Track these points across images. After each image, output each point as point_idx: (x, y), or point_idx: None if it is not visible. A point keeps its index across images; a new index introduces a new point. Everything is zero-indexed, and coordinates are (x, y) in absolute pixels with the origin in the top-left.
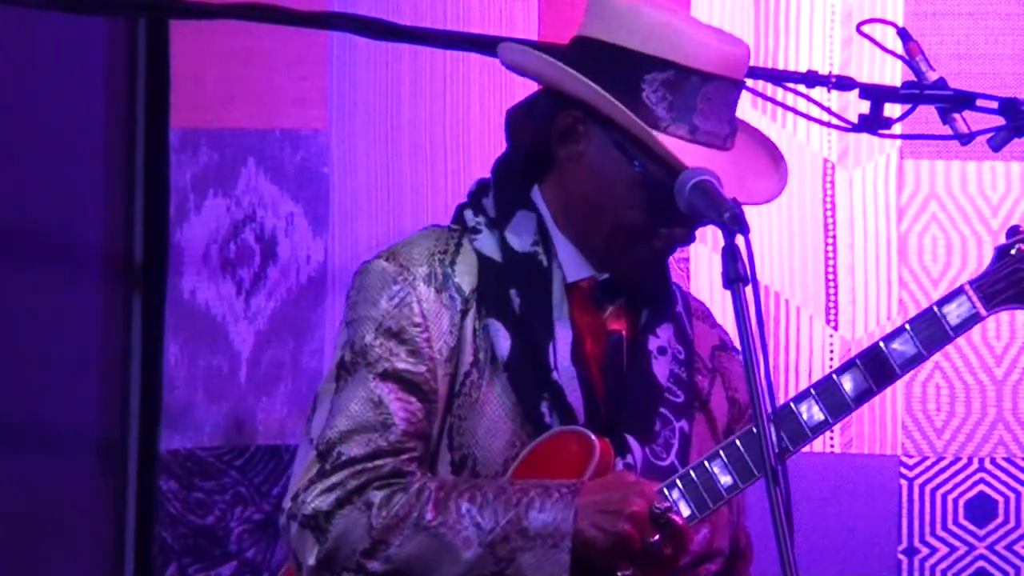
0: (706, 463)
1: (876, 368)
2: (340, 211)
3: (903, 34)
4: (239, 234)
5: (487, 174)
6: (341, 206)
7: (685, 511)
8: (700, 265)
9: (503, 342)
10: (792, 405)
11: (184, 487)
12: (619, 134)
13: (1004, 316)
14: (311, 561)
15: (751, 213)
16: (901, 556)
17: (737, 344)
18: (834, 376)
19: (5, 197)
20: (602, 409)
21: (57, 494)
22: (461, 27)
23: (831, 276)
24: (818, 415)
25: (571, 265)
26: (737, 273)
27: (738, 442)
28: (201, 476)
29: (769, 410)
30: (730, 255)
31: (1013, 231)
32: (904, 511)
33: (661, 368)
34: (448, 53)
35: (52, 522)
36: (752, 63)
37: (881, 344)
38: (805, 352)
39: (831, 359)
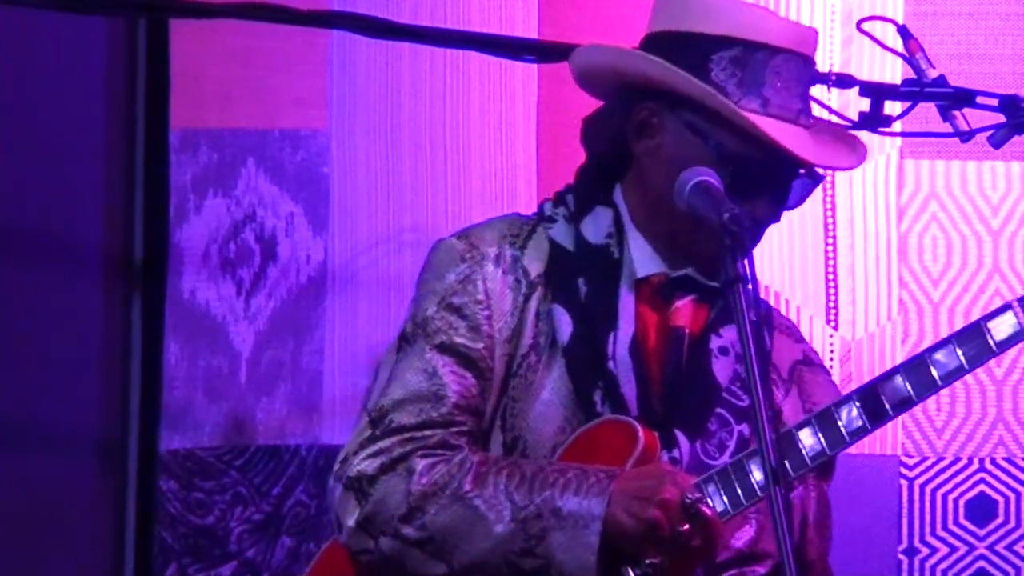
0: (744, 460)
1: (918, 378)
2: (340, 211)
3: (903, 32)
4: (239, 234)
5: (487, 174)
6: (341, 206)
7: (719, 506)
8: None
9: (565, 328)
10: (832, 409)
11: (184, 487)
12: (692, 116)
13: None
14: (351, 523)
15: None
16: (901, 556)
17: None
18: (876, 383)
19: (5, 197)
20: (656, 403)
21: (57, 494)
22: (461, 26)
23: (831, 276)
24: (857, 421)
25: (643, 260)
26: (736, 273)
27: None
28: (201, 476)
29: (767, 410)
30: (729, 255)
31: None
32: (904, 511)
33: (722, 368)
34: (448, 53)
35: (52, 522)
36: None
37: (925, 355)
38: None
39: (831, 359)
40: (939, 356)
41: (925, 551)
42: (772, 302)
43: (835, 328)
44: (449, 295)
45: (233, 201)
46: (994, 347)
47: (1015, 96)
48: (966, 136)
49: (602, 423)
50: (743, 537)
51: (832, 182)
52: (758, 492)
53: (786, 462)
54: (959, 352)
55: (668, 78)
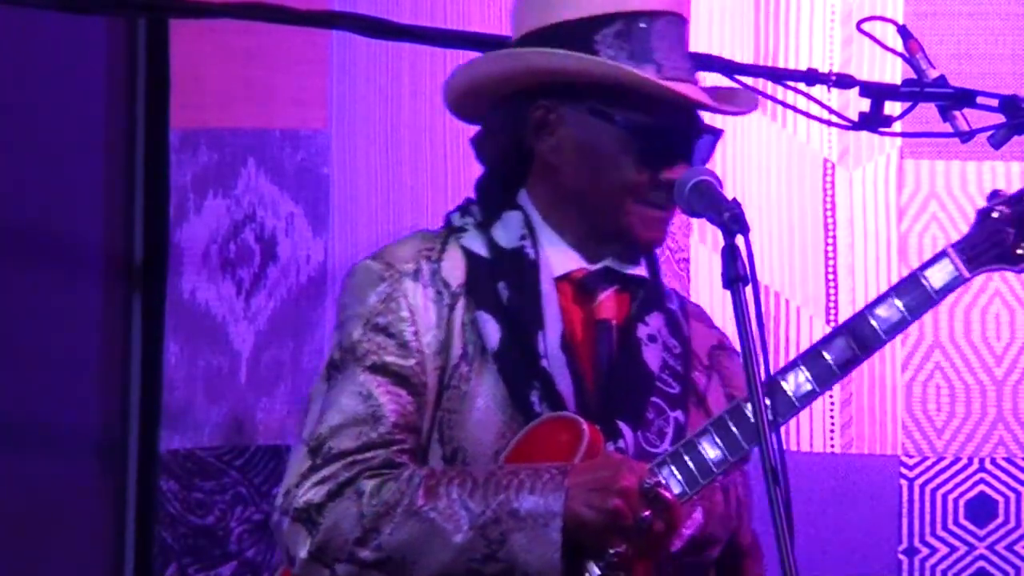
0: (695, 440)
1: (861, 335)
2: (340, 211)
3: (903, 32)
4: (239, 234)
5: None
6: (341, 206)
7: (676, 488)
8: (700, 265)
9: (493, 333)
10: (778, 377)
11: (184, 487)
12: (592, 100)
13: (1004, 316)
14: (303, 554)
15: (751, 213)
16: (901, 556)
17: (737, 345)
18: (820, 346)
19: (5, 197)
20: (592, 396)
21: (57, 494)
22: (461, 26)
23: (831, 276)
24: (806, 385)
25: (559, 258)
26: (737, 273)
27: (727, 417)
28: (201, 476)
29: (769, 410)
30: (730, 255)
31: (994, 195)
32: (904, 511)
33: (652, 356)
34: (448, 53)
35: (52, 522)
36: (752, 62)
37: (865, 311)
38: None
39: None
40: (880, 311)
41: (925, 551)
42: (772, 302)
43: None
44: (374, 316)
45: (233, 201)
46: (933, 295)
47: (1015, 96)
48: (966, 136)
49: (543, 422)
50: (692, 524)
51: (832, 182)
52: (713, 470)
53: (737, 432)
54: (899, 304)
55: (575, 66)
